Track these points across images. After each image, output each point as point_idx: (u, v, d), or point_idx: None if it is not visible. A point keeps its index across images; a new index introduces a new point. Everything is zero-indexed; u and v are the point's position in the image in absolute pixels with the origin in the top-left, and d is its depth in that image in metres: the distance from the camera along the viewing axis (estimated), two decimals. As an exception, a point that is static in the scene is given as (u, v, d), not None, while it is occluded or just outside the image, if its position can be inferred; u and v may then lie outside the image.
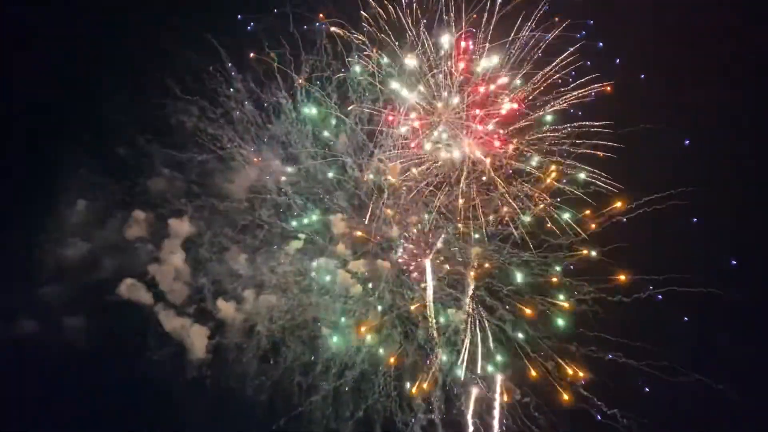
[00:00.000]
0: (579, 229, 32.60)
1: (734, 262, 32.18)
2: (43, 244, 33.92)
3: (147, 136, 34.96)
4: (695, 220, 32.19)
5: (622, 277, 32.37)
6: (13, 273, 33.01)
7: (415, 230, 34.41)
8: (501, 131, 32.97)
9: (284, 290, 34.79)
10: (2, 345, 32.08)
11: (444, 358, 33.89)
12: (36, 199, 34.58)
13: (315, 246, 34.75)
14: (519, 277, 33.62)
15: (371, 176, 33.71)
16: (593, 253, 32.92)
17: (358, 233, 34.57)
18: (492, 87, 32.63)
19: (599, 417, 31.84)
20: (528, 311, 33.31)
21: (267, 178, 34.69)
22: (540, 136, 33.04)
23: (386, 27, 32.19)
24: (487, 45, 32.15)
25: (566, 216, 32.68)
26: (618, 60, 33.11)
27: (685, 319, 32.00)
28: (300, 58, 32.61)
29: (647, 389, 31.75)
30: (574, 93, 32.48)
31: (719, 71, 33.23)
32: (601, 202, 32.56)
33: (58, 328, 32.81)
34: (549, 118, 32.78)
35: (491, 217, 33.47)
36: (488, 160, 32.91)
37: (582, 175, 32.60)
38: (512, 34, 32.18)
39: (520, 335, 33.21)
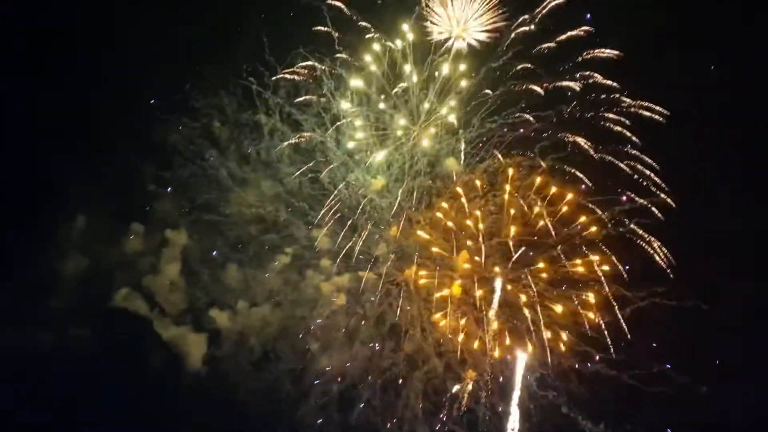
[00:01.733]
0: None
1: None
2: (42, 257, 35.28)
3: (140, 151, 35.76)
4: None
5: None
6: (12, 285, 34.20)
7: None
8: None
9: (275, 303, 35.55)
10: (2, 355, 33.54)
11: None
12: (35, 214, 35.65)
13: (302, 261, 35.07)
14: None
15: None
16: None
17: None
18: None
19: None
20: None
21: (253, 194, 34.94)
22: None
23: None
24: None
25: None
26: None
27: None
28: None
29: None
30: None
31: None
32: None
33: (57, 338, 34.06)
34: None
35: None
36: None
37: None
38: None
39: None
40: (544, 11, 31.80)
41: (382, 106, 32.94)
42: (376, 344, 34.79)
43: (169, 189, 35.67)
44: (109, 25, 35.13)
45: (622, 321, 32.70)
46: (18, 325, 33.87)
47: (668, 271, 32.16)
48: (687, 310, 32.04)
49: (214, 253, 35.99)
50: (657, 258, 32.24)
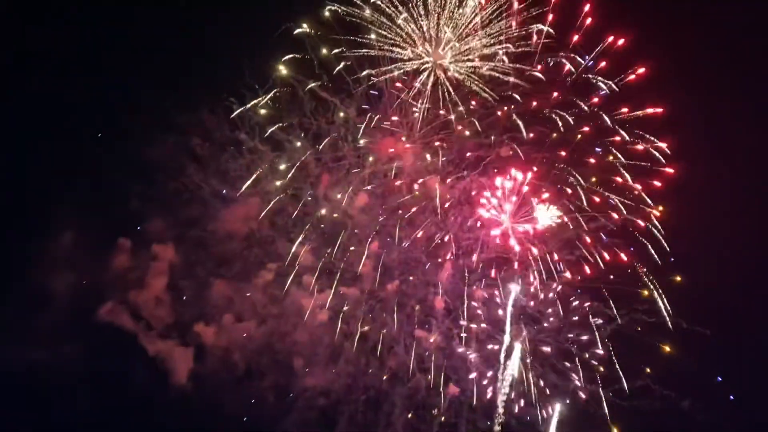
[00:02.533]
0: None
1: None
2: (30, 272, 35.30)
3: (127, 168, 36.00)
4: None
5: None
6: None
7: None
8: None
9: (260, 318, 35.81)
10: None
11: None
12: (21, 230, 35.78)
13: (285, 277, 35.28)
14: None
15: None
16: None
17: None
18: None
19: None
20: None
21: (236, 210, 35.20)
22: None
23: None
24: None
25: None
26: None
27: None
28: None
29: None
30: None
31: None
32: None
33: (43, 352, 34.09)
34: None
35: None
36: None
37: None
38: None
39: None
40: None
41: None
42: (360, 360, 35.08)
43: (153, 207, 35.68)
44: (97, 44, 35.48)
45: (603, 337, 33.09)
46: (4, 339, 34.12)
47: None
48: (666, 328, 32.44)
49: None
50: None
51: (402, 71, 31.86)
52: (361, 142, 32.88)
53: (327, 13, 31.21)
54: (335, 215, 34.56)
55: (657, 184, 32.22)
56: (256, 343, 35.50)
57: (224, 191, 35.28)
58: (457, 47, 31.59)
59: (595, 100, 32.39)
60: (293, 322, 35.25)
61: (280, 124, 33.08)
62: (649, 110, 31.95)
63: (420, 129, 32.71)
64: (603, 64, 32.29)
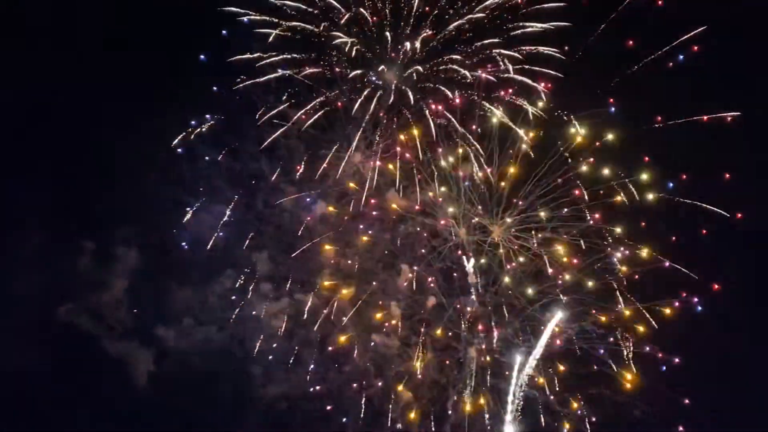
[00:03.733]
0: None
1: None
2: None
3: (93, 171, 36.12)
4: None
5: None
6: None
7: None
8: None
9: (219, 323, 36.27)
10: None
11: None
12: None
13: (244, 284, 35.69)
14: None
15: None
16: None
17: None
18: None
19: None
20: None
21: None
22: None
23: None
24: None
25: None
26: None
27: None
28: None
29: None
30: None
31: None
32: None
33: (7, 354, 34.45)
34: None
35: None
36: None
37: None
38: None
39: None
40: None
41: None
42: (318, 366, 35.63)
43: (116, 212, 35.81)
44: (66, 50, 35.34)
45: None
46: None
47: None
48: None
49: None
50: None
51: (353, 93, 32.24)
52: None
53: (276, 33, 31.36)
54: (294, 224, 34.90)
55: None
56: (215, 347, 35.96)
57: (185, 199, 35.43)
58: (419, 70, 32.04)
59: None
60: (252, 328, 35.69)
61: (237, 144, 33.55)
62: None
63: (377, 144, 32.94)
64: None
